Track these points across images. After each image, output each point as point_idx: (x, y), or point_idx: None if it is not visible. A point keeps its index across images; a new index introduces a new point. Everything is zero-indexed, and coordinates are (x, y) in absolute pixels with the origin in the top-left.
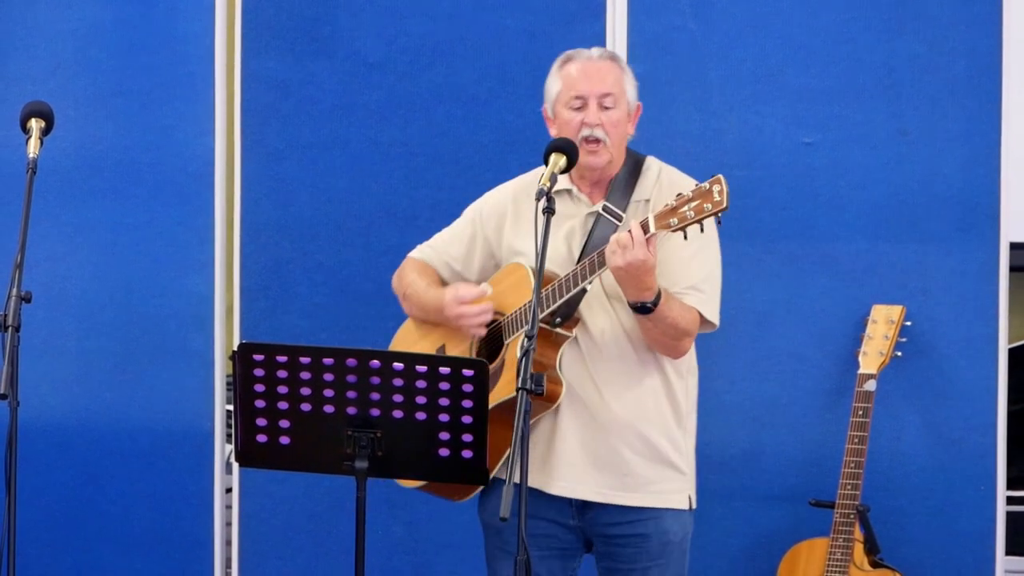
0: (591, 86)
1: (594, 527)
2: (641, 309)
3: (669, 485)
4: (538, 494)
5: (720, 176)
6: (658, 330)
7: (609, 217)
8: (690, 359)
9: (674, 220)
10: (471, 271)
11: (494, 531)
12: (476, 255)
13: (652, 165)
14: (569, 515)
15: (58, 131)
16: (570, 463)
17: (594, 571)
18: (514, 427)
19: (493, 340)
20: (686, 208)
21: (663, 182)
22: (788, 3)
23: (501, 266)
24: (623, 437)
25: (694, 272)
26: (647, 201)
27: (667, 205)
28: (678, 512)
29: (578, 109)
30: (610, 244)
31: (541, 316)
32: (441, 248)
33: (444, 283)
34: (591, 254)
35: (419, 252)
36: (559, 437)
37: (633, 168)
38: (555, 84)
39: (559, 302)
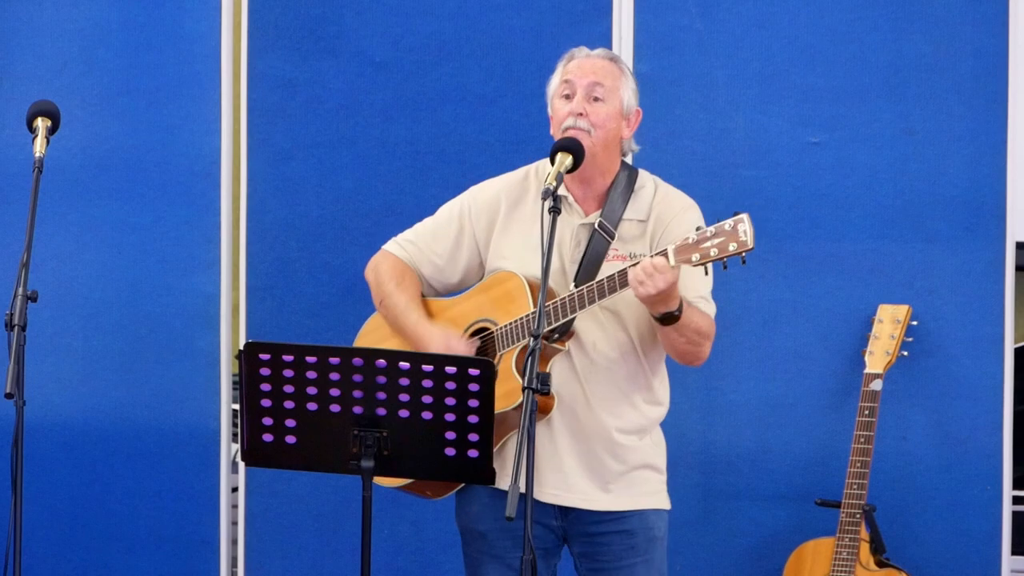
0: (581, 75)
1: (577, 527)
2: (668, 319)
3: (651, 487)
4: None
5: (745, 215)
6: (683, 338)
7: (603, 234)
8: (663, 365)
9: (696, 256)
10: (456, 269)
11: (476, 535)
12: (463, 253)
13: (646, 182)
14: (552, 516)
15: (64, 130)
16: (557, 469)
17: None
18: (519, 427)
19: (480, 349)
20: (708, 244)
21: (660, 201)
22: (794, 3)
23: (485, 266)
24: (608, 445)
25: (701, 283)
26: (641, 221)
27: (687, 239)
28: (659, 511)
29: (566, 97)
30: (636, 275)
31: (543, 332)
32: (424, 244)
33: (425, 283)
34: (609, 276)
35: (399, 249)
36: (548, 444)
37: (628, 182)
38: (554, 80)
39: (563, 320)
